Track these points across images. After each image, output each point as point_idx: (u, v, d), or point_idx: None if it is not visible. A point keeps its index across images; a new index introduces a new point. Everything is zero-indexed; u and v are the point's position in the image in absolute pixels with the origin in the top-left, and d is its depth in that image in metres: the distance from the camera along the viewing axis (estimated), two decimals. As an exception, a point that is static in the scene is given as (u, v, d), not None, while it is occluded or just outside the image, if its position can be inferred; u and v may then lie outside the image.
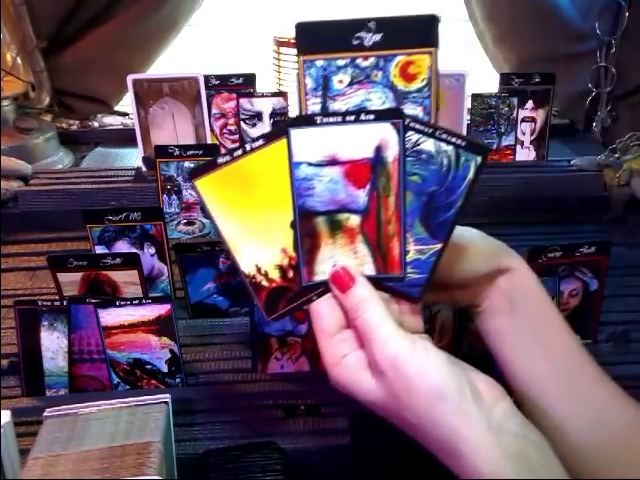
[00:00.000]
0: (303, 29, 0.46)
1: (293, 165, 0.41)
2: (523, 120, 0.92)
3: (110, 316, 0.57)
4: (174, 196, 0.84)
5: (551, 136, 0.93)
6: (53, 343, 0.58)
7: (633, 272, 0.76)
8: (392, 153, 0.41)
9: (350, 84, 0.44)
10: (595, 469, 0.45)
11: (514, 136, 0.93)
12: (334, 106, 0.44)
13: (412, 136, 0.41)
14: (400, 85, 0.45)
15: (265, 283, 0.42)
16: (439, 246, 0.42)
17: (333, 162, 0.41)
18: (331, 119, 0.40)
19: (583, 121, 1.07)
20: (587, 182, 0.88)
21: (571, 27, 1.02)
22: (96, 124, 1.15)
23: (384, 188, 0.41)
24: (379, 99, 0.44)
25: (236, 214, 0.41)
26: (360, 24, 0.44)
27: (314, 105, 0.45)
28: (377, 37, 0.44)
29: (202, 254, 0.67)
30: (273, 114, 0.90)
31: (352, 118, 0.40)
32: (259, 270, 0.42)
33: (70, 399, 0.51)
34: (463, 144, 0.40)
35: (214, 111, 0.92)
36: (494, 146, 0.93)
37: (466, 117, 0.93)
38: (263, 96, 0.91)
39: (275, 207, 0.41)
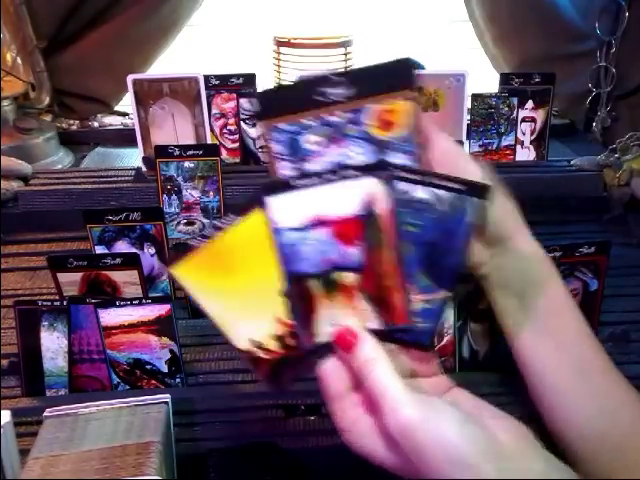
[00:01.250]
0: (262, 96, 0.44)
1: (276, 232, 0.39)
2: (523, 120, 0.92)
3: (110, 316, 0.57)
4: (174, 196, 0.84)
5: (551, 136, 0.93)
6: (53, 343, 0.58)
7: (633, 272, 0.76)
8: (382, 206, 0.39)
9: (325, 144, 0.42)
10: (598, 458, 0.45)
11: (514, 136, 0.93)
12: (309, 167, 0.43)
13: (401, 186, 0.39)
14: (378, 135, 0.42)
15: (265, 356, 0.41)
16: (446, 294, 0.40)
17: (319, 223, 0.39)
18: (309, 180, 0.39)
19: (583, 121, 1.07)
20: (587, 182, 0.88)
21: (571, 27, 1.02)
22: (96, 124, 1.15)
23: (378, 242, 0.40)
24: (358, 153, 0.42)
25: (220, 294, 0.40)
26: (322, 79, 0.41)
27: (287, 170, 0.43)
28: (341, 90, 0.41)
29: (202, 254, 0.66)
30: (273, 114, 0.90)
31: (333, 177, 0.39)
32: (255, 344, 0.41)
33: (70, 399, 0.51)
34: (459, 188, 0.39)
35: (214, 111, 0.92)
36: (494, 146, 0.93)
37: (466, 117, 0.93)
38: (263, 96, 0.90)
39: (260, 279, 0.40)
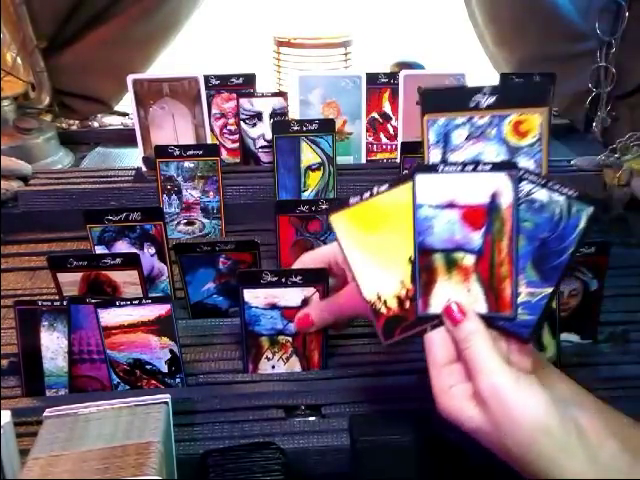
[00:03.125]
0: (427, 93, 0.52)
1: (416, 206, 0.45)
2: (523, 120, 0.92)
3: (110, 316, 0.57)
4: (174, 196, 0.84)
5: (551, 136, 0.93)
6: (53, 343, 0.58)
7: (633, 272, 0.76)
8: (506, 200, 0.44)
9: (467, 139, 0.51)
10: None
11: (514, 136, 0.93)
12: (452, 157, 0.51)
13: (525, 186, 0.44)
14: (512, 140, 0.52)
15: (383, 310, 0.46)
16: (550, 290, 0.44)
17: (452, 205, 0.45)
18: (452, 168, 0.45)
19: (583, 121, 1.07)
20: (587, 182, 0.88)
21: (571, 27, 1.02)
22: (96, 124, 1.15)
23: (498, 232, 0.45)
24: (493, 152, 0.51)
25: (362, 246, 0.46)
26: (477, 89, 0.51)
27: (435, 156, 0.52)
28: (491, 99, 0.51)
29: (202, 254, 0.67)
30: (273, 114, 0.90)
31: (470, 168, 0.45)
32: (379, 298, 0.46)
33: (70, 399, 0.51)
34: (575, 195, 0.44)
35: (214, 111, 0.92)
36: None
37: (466, 117, 0.93)
38: (263, 96, 0.91)
39: (397, 243, 0.46)
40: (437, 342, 0.44)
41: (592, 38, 1.01)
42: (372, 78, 0.93)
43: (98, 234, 0.68)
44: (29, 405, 0.57)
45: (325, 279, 0.57)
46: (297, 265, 0.58)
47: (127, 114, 1.16)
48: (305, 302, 0.59)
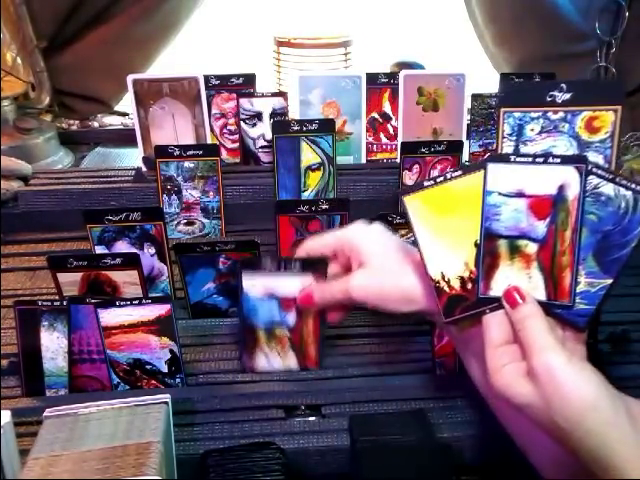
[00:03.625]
0: (507, 87, 0.57)
1: (486, 192, 0.47)
2: (523, 120, 0.92)
3: (110, 316, 0.57)
4: (174, 196, 0.84)
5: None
6: (53, 343, 0.58)
7: (633, 272, 0.76)
8: (573, 192, 0.46)
9: (540, 132, 0.54)
10: None
11: (514, 136, 0.93)
12: (524, 149, 0.54)
13: (593, 180, 0.46)
14: (584, 136, 0.54)
15: (446, 289, 0.48)
16: (609, 281, 0.46)
17: (520, 195, 0.47)
18: (523, 159, 0.46)
19: (583, 121, 1.07)
20: (587, 182, 0.88)
21: (571, 27, 1.02)
22: (96, 124, 1.15)
23: (562, 222, 0.46)
24: (564, 146, 0.54)
25: (432, 227, 0.48)
26: (554, 85, 0.53)
27: (508, 147, 0.55)
28: (567, 96, 0.53)
29: (202, 254, 0.67)
30: (273, 114, 0.90)
31: (541, 160, 0.46)
32: (443, 277, 0.48)
33: (70, 399, 0.51)
34: None
35: (214, 111, 0.92)
36: (494, 146, 0.93)
37: (466, 117, 0.93)
38: (263, 96, 0.91)
39: (464, 227, 0.48)
40: (494, 324, 0.46)
41: (592, 38, 1.01)
42: (372, 78, 0.93)
43: (98, 234, 0.68)
44: (29, 405, 0.57)
45: (324, 268, 0.57)
46: (301, 250, 0.59)
47: (127, 114, 1.16)
48: None
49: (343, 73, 1.06)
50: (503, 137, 0.55)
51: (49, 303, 0.57)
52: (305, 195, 0.86)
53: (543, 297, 0.46)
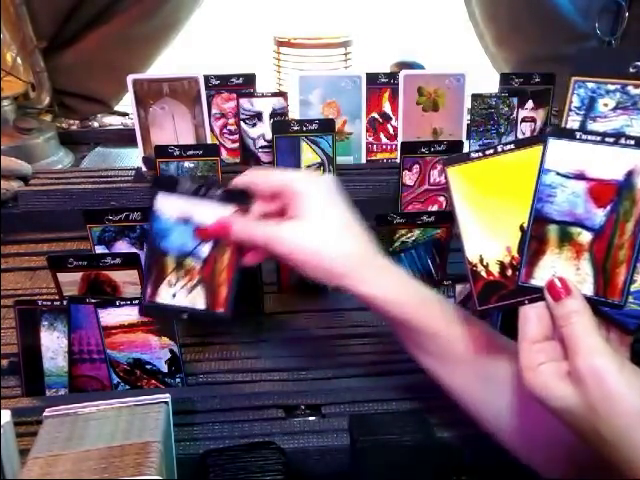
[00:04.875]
0: (582, 53, 0.49)
1: (543, 171, 0.43)
2: (523, 120, 0.92)
3: (110, 316, 0.57)
4: (174, 196, 0.84)
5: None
6: (53, 343, 0.58)
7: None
8: None
9: (614, 108, 0.47)
10: None
11: (514, 136, 0.93)
12: (592, 126, 0.48)
13: None
14: None
15: (484, 274, 0.44)
16: None
17: (580, 177, 0.42)
18: (590, 137, 0.42)
19: (583, 121, 1.07)
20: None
21: (571, 27, 1.02)
22: (96, 124, 1.15)
23: (625, 213, 0.41)
24: None
25: (474, 204, 0.44)
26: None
27: (574, 122, 0.48)
28: None
29: (202, 254, 0.66)
30: (273, 114, 0.90)
31: (611, 140, 0.41)
32: (481, 261, 0.44)
33: (70, 399, 0.51)
34: None
35: (214, 111, 0.92)
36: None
37: (466, 117, 0.93)
38: (263, 96, 0.91)
39: (510, 207, 0.44)
40: (532, 317, 0.42)
41: (592, 38, 1.01)
42: (372, 78, 0.93)
43: (98, 234, 0.68)
44: (29, 405, 0.57)
45: (248, 203, 0.52)
46: (239, 179, 0.54)
47: (127, 114, 1.16)
48: None
49: (343, 73, 1.06)
50: (570, 110, 0.48)
51: (49, 303, 0.57)
52: (305, 195, 0.86)
53: (591, 292, 0.42)
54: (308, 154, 0.84)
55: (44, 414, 0.47)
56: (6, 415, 0.42)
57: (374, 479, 0.51)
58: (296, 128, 0.83)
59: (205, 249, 0.54)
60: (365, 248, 0.49)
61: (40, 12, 1.01)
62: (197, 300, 0.54)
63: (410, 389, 0.59)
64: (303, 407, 0.59)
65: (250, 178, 0.53)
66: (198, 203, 0.53)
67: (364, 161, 0.96)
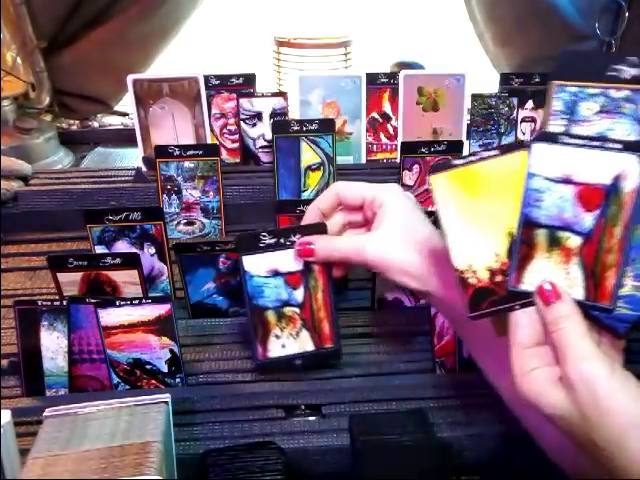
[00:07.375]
0: (563, 57, 0.48)
1: (529, 175, 0.42)
2: (523, 120, 0.92)
3: (110, 316, 0.57)
4: (174, 196, 0.84)
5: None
6: (53, 343, 0.58)
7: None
8: (630, 185, 0.41)
9: (598, 112, 0.46)
10: None
11: (514, 136, 0.93)
12: (576, 130, 0.46)
13: None
14: None
15: (473, 281, 0.44)
16: None
17: (567, 181, 0.42)
18: (575, 141, 0.41)
19: (583, 121, 1.07)
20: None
21: (571, 27, 1.02)
22: (96, 124, 1.15)
23: (613, 217, 0.41)
24: (624, 130, 0.46)
25: (460, 212, 0.44)
26: (620, 59, 0.46)
27: (557, 127, 0.47)
28: (634, 71, 0.45)
29: (202, 254, 0.67)
30: (273, 114, 0.90)
31: (597, 144, 0.41)
32: (470, 267, 0.44)
33: (70, 399, 0.51)
34: None
35: (214, 111, 0.92)
36: (494, 146, 0.93)
37: (466, 117, 0.93)
38: (263, 96, 0.91)
39: (498, 212, 0.43)
40: (523, 322, 0.42)
41: (592, 38, 1.01)
42: (372, 78, 0.93)
43: (98, 234, 0.68)
44: (29, 405, 0.57)
45: (325, 232, 0.56)
46: (326, 196, 0.57)
47: (127, 114, 1.16)
48: (306, 265, 0.57)
49: (343, 73, 1.07)
50: (552, 114, 0.47)
51: (49, 303, 0.57)
52: (305, 195, 0.86)
53: (581, 297, 0.42)
54: (308, 154, 0.84)
55: (44, 414, 0.47)
56: (6, 415, 0.42)
57: (374, 479, 0.51)
58: (296, 128, 0.83)
59: (299, 293, 0.58)
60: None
61: (40, 12, 1.01)
62: (305, 343, 0.59)
63: (410, 389, 0.59)
64: (303, 407, 0.59)
65: (342, 189, 0.56)
66: (281, 252, 0.57)
67: (364, 161, 0.96)
